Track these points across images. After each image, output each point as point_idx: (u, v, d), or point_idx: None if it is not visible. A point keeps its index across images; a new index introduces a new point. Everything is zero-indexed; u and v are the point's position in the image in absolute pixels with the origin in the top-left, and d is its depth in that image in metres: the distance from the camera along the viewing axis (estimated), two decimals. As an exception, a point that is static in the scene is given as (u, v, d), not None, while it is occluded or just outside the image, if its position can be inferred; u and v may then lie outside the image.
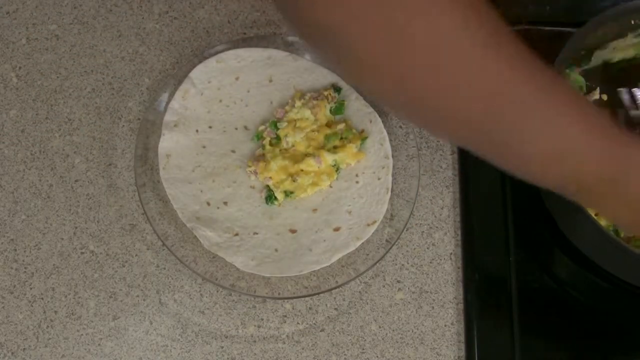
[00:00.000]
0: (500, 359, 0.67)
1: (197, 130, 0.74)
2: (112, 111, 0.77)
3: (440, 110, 0.48)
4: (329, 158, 0.72)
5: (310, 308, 0.69)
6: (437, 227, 0.73)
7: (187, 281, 0.70)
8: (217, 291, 0.69)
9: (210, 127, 0.75)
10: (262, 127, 0.75)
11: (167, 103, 0.74)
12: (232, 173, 0.73)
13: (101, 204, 0.73)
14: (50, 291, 0.69)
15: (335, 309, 0.69)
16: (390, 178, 0.71)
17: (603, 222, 0.63)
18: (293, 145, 0.73)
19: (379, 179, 0.72)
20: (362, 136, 0.74)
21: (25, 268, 0.70)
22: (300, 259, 0.68)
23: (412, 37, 0.41)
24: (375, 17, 0.40)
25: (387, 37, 0.41)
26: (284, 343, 0.67)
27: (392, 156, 0.73)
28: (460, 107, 0.47)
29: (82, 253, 0.71)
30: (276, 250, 0.69)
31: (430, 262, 0.71)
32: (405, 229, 0.70)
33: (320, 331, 0.68)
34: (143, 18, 0.82)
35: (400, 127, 0.76)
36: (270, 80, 0.77)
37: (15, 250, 0.70)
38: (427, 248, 0.72)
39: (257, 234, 0.70)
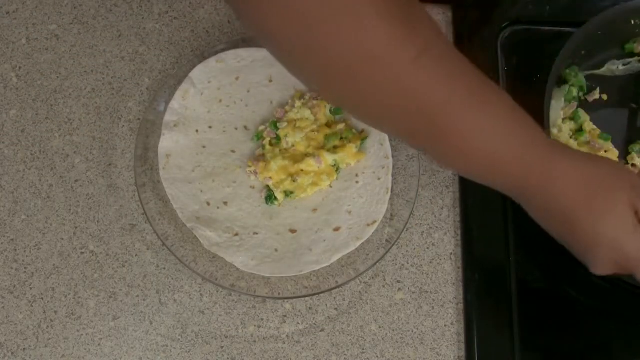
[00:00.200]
0: (500, 359, 0.67)
1: (197, 130, 0.74)
2: (112, 111, 0.77)
3: (368, 118, 0.53)
4: (329, 158, 0.72)
5: (310, 308, 0.69)
6: (437, 227, 0.73)
7: (187, 281, 0.70)
8: (217, 291, 0.69)
9: (210, 127, 0.75)
10: (262, 127, 0.75)
11: (167, 103, 0.74)
12: (232, 173, 0.73)
13: (101, 204, 0.73)
14: (50, 291, 0.69)
15: (335, 309, 0.69)
16: (390, 178, 0.71)
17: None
18: (293, 145, 0.73)
19: (379, 179, 0.72)
20: (362, 136, 0.74)
21: (25, 268, 0.70)
22: (300, 259, 0.68)
23: (338, 54, 0.44)
24: (307, 28, 0.43)
25: (318, 49, 0.44)
26: (284, 343, 0.67)
27: (392, 156, 0.73)
28: (387, 116, 0.50)
29: (82, 253, 0.71)
30: (276, 250, 0.69)
31: (430, 262, 0.71)
32: (405, 229, 0.70)
33: (320, 331, 0.68)
34: (143, 18, 0.82)
35: (400, 127, 0.76)
36: (270, 80, 0.77)
37: (15, 250, 0.70)
38: (427, 248, 0.72)
39: (257, 234, 0.70)
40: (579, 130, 0.74)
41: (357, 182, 0.73)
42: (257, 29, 0.46)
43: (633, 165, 0.74)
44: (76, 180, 0.74)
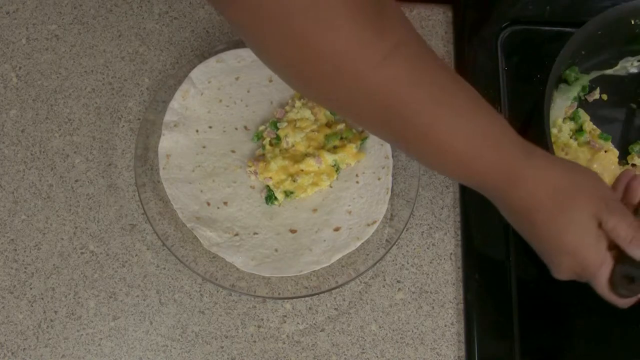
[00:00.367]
0: (500, 359, 0.67)
1: (197, 130, 0.74)
2: (112, 111, 0.77)
3: (345, 116, 0.56)
4: (329, 158, 0.72)
5: (310, 308, 0.69)
6: (437, 227, 0.73)
7: (187, 281, 0.70)
8: (217, 291, 0.69)
9: (210, 127, 0.75)
10: (262, 127, 0.75)
11: (167, 103, 0.74)
12: (232, 173, 0.73)
13: (101, 204, 0.73)
14: (50, 291, 0.69)
15: (335, 309, 0.69)
16: (390, 178, 0.71)
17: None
18: (293, 145, 0.73)
19: (379, 179, 0.72)
20: (362, 136, 0.74)
21: (25, 268, 0.70)
22: (300, 259, 0.68)
23: (312, 50, 0.45)
24: (278, 27, 0.44)
25: (289, 47, 0.45)
26: (284, 343, 0.67)
27: (392, 156, 0.73)
28: (360, 115, 0.52)
29: (82, 253, 0.71)
30: (276, 250, 0.69)
31: (430, 262, 0.71)
32: (405, 229, 0.70)
33: (320, 331, 0.68)
34: (143, 18, 0.82)
35: (400, 127, 0.76)
36: (270, 80, 0.77)
37: (15, 250, 0.70)
38: (427, 248, 0.72)
39: (257, 234, 0.70)
40: (579, 130, 0.74)
41: (357, 182, 0.73)
42: (233, 25, 0.47)
43: (633, 165, 0.74)
44: (76, 180, 0.74)
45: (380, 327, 0.68)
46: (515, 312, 0.68)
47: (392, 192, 0.71)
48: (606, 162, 0.72)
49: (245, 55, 0.76)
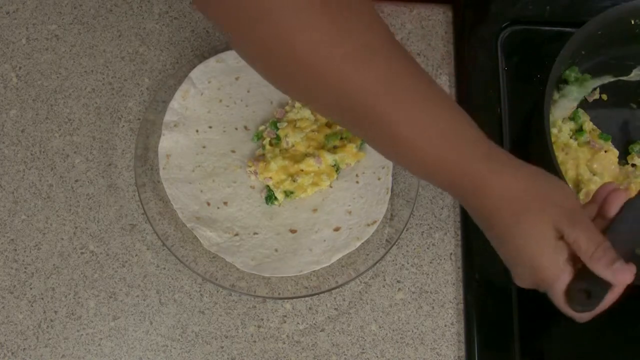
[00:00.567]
0: (500, 359, 0.67)
1: (197, 130, 0.74)
2: (112, 111, 0.77)
3: (308, 103, 0.59)
4: (329, 158, 0.72)
5: (310, 308, 0.69)
6: (437, 227, 0.73)
7: (187, 281, 0.70)
8: (217, 291, 0.69)
9: (210, 127, 0.75)
10: (262, 127, 0.75)
11: (167, 103, 0.74)
12: (232, 173, 0.73)
13: (101, 204, 0.73)
14: (50, 291, 0.69)
15: (335, 309, 0.69)
16: (390, 178, 0.71)
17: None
18: (293, 145, 0.73)
19: (379, 179, 0.72)
20: (362, 136, 0.74)
21: (25, 268, 0.70)
22: (300, 259, 0.68)
23: (276, 50, 0.47)
24: (249, 28, 0.46)
25: (256, 47, 0.48)
26: (284, 343, 0.67)
27: (392, 156, 0.73)
28: (330, 111, 0.53)
29: (82, 253, 0.71)
30: (276, 250, 0.69)
31: (430, 262, 0.71)
32: (405, 229, 0.70)
33: (320, 331, 0.68)
34: (143, 18, 0.82)
35: (400, 127, 0.76)
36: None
37: (15, 250, 0.70)
38: (427, 248, 0.72)
39: (257, 234, 0.70)
40: (579, 130, 0.74)
41: (357, 182, 0.73)
42: (210, 19, 0.50)
43: (633, 165, 0.74)
44: (76, 180, 0.74)
45: (380, 327, 0.68)
46: (515, 312, 0.68)
47: (392, 192, 0.71)
48: (606, 162, 0.72)
49: (245, 55, 0.76)
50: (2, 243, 0.71)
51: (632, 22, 0.75)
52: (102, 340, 0.67)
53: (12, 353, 0.66)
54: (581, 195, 0.70)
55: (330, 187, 0.73)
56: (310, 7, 0.45)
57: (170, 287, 0.69)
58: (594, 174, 0.71)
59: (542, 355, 0.68)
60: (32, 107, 0.77)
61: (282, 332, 0.68)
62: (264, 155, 0.73)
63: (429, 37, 0.81)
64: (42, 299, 0.69)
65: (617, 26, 0.74)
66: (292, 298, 0.67)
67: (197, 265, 0.67)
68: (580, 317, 0.56)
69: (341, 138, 0.74)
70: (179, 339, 0.67)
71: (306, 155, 0.72)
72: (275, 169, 0.71)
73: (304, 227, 0.71)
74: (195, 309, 0.69)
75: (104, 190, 0.73)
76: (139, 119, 0.76)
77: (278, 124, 0.74)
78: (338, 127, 0.74)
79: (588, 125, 0.74)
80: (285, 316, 0.69)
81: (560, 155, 0.72)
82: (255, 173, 0.72)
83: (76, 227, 0.72)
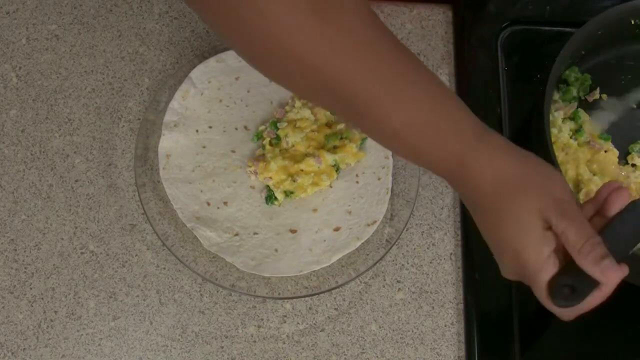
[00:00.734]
0: (500, 359, 0.67)
1: (197, 130, 0.74)
2: (112, 111, 0.77)
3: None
4: (329, 158, 0.72)
5: (310, 308, 0.69)
6: (437, 227, 0.73)
7: (187, 281, 0.70)
8: (217, 291, 0.69)
9: (210, 127, 0.75)
10: (262, 127, 0.75)
11: (167, 103, 0.74)
12: (232, 173, 0.73)
13: (101, 204, 0.73)
14: (50, 291, 0.69)
15: (335, 309, 0.69)
16: (390, 178, 0.71)
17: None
18: (293, 145, 0.73)
19: (379, 179, 0.72)
20: (362, 136, 0.74)
21: (25, 268, 0.70)
22: (300, 259, 0.68)
23: (253, 36, 0.46)
24: (230, 17, 0.46)
25: (238, 33, 0.47)
26: (284, 343, 0.67)
27: (392, 156, 0.73)
28: (311, 94, 0.53)
29: (82, 253, 0.71)
30: (276, 250, 0.69)
31: (430, 262, 0.71)
32: (405, 229, 0.70)
33: (320, 331, 0.68)
34: (143, 18, 0.82)
35: (400, 127, 0.76)
36: (271, 80, 0.77)
37: (15, 250, 0.70)
38: (427, 248, 0.72)
39: (257, 234, 0.70)
40: (579, 130, 0.74)
41: (357, 182, 0.73)
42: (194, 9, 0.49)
43: (633, 165, 0.74)
44: (76, 180, 0.74)
45: (380, 327, 0.68)
46: (515, 312, 0.68)
47: (392, 192, 0.71)
48: (606, 162, 0.72)
49: (245, 55, 0.76)
50: (2, 243, 0.71)
51: (632, 22, 0.75)
52: (102, 340, 0.67)
53: (12, 353, 0.66)
54: (581, 195, 0.70)
55: (330, 187, 0.73)
56: (302, 4, 0.44)
57: (170, 287, 0.69)
58: (594, 174, 0.71)
59: (542, 355, 0.68)
60: (32, 107, 0.77)
61: (282, 332, 0.68)
62: (264, 155, 0.73)
63: (429, 37, 0.81)
64: (42, 299, 0.69)
65: (617, 26, 0.74)
66: (292, 298, 0.67)
67: (197, 265, 0.67)
68: (562, 314, 0.53)
69: (341, 138, 0.74)
70: (179, 339, 0.67)
71: (306, 155, 0.72)
72: (275, 169, 0.71)
73: (304, 227, 0.71)
74: (195, 309, 0.69)
75: (104, 190, 0.73)
76: (139, 119, 0.76)
77: (278, 124, 0.74)
78: (338, 127, 0.74)
79: (588, 125, 0.74)
80: (285, 316, 0.69)
81: (560, 155, 0.72)
82: (255, 173, 0.72)
83: (76, 227, 0.72)
